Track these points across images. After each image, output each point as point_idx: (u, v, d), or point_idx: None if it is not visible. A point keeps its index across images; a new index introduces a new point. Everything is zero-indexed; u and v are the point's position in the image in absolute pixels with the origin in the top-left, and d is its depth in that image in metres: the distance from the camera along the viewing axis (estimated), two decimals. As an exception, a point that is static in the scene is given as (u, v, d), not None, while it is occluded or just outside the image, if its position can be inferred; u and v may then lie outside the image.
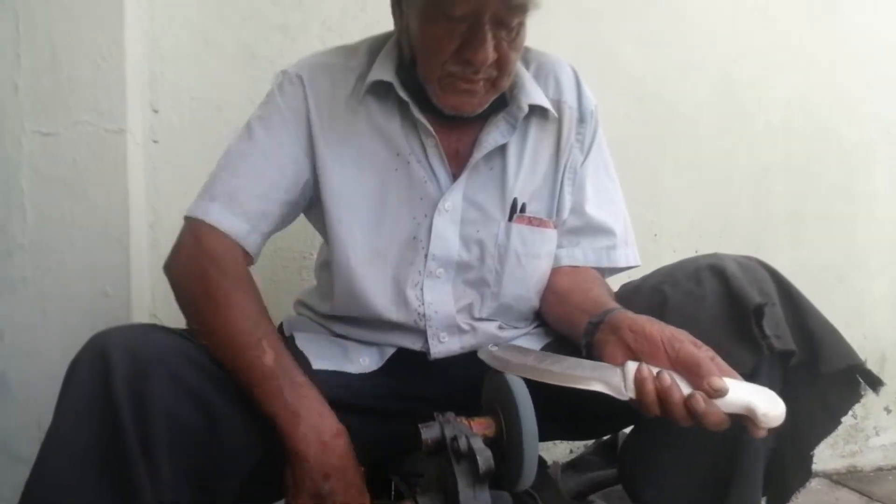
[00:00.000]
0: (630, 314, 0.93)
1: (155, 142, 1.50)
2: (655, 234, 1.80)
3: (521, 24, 0.99)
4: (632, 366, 0.86)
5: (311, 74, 1.08)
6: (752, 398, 0.81)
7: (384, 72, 1.05)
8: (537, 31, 1.69)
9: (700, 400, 0.80)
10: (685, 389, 0.83)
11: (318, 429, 0.89)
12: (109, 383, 0.82)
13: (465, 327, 1.09)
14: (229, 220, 1.01)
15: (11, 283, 1.38)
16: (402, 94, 1.04)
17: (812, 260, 1.92)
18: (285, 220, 1.10)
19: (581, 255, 1.16)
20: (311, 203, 1.11)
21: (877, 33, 1.94)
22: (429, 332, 1.07)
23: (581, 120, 1.14)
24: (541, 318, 1.17)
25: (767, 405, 0.81)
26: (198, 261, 0.99)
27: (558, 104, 1.12)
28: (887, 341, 2.03)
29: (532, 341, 1.14)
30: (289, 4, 1.54)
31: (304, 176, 1.07)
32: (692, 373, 0.83)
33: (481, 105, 1.03)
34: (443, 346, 1.08)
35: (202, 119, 1.51)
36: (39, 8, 1.35)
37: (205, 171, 1.49)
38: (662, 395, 0.83)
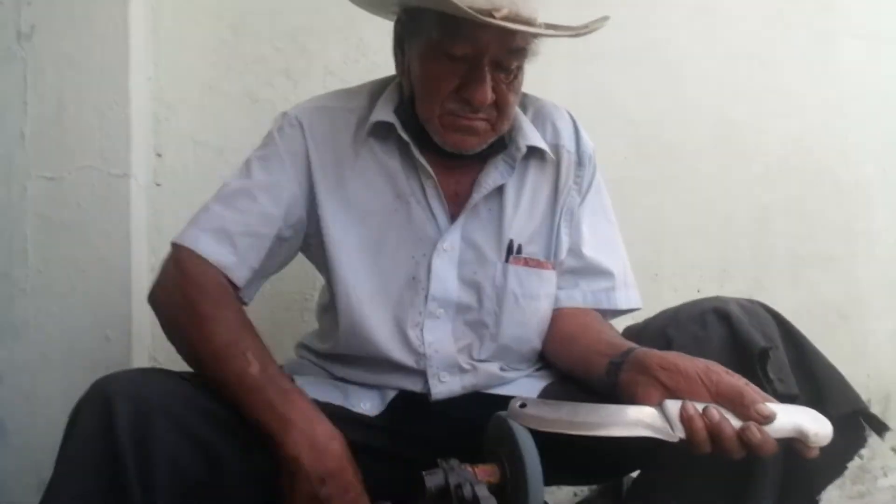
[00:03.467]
0: (655, 351, 0.92)
1: (158, 185, 1.51)
2: (656, 275, 1.80)
3: (520, 69, 1.03)
4: (671, 404, 0.84)
5: (310, 118, 1.10)
6: (800, 420, 0.81)
7: (385, 113, 1.07)
8: (536, 75, 1.73)
9: (755, 430, 0.80)
10: (733, 422, 0.81)
11: (311, 433, 0.86)
12: (113, 431, 0.82)
13: (466, 367, 1.08)
14: (217, 252, 1.00)
15: (13, 328, 1.38)
16: (403, 134, 1.06)
17: (814, 300, 1.92)
18: (277, 258, 1.09)
19: (580, 296, 1.16)
20: (309, 244, 1.11)
21: (868, 76, 1.97)
22: (429, 373, 1.06)
23: (579, 164, 1.16)
24: (542, 360, 1.16)
25: (816, 425, 0.81)
26: (179, 285, 0.98)
27: (556, 148, 1.14)
28: (892, 380, 2.01)
29: (533, 383, 1.13)
30: (291, 50, 1.57)
31: (298, 214, 1.07)
32: (736, 403, 0.82)
33: (481, 144, 1.05)
34: (444, 386, 1.07)
35: (205, 163, 1.53)
36: (47, 57, 1.38)
37: (207, 214, 1.51)
38: (714, 431, 0.81)
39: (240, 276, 1.02)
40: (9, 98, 1.38)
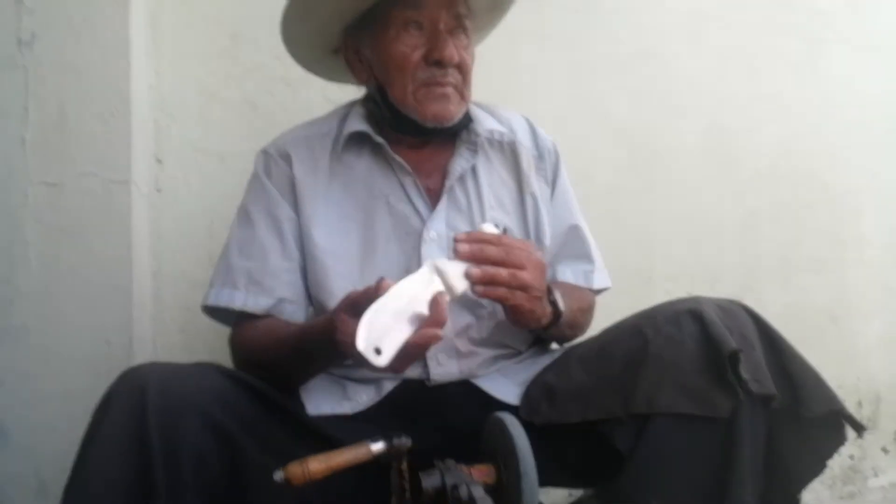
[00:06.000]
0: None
1: (158, 191, 1.52)
2: (648, 279, 1.81)
3: (468, 35, 1.15)
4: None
5: (294, 148, 1.18)
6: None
7: (357, 124, 1.16)
8: (529, 84, 1.75)
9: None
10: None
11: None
12: (144, 420, 0.85)
13: (464, 350, 1.11)
14: (255, 301, 1.11)
15: (13, 332, 1.38)
16: (377, 137, 1.14)
17: (804, 303, 1.93)
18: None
19: (571, 274, 1.24)
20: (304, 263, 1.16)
21: (857, 83, 1.99)
22: (428, 355, 1.09)
23: (540, 157, 1.25)
24: (539, 339, 1.20)
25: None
26: (242, 359, 1.13)
27: (513, 144, 1.23)
28: (882, 383, 2.03)
29: (531, 365, 1.16)
30: (290, 58, 1.58)
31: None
32: None
33: (457, 113, 1.13)
34: (441, 368, 1.10)
35: (205, 169, 1.54)
36: (48, 64, 1.39)
37: (207, 220, 1.53)
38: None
39: (286, 310, 1.12)
40: (10, 105, 1.38)
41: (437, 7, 1.09)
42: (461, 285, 0.90)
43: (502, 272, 0.93)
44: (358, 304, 0.85)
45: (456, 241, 0.93)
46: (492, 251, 0.93)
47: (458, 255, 0.92)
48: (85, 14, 1.40)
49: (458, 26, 1.12)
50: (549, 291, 1.05)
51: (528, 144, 1.24)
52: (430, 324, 0.83)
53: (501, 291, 0.94)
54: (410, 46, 1.09)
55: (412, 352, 0.83)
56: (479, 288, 0.92)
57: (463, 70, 1.11)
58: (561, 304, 1.06)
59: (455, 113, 1.12)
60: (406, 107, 1.11)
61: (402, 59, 1.09)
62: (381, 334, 0.80)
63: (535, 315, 1.01)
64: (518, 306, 0.98)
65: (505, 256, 0.94)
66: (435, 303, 0.83)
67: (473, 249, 0.92)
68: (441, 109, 1.11)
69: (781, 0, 1.93)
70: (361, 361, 0.81)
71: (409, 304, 0.83)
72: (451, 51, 1.08)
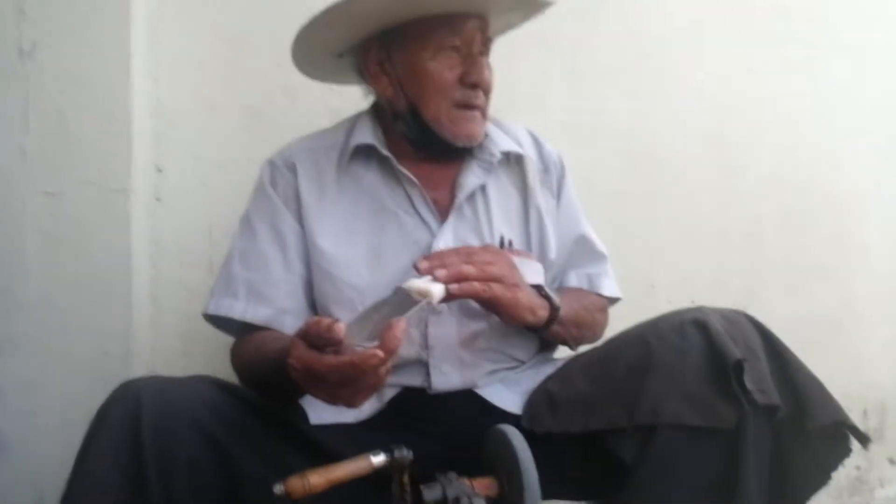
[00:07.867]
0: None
1: (158, 200, 1.52)
2: (652, 286, 1.81)
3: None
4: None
5: (300, 159, 1.18)
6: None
7: (364, 136, 1.17)
8: (530, 89, 1.75)
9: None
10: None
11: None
12: (138, 431, 0.85)
13: (468, 360, 1.11)
14: (254, 311, 1.10)
15: (12, 342, 1.38)
16: (384, 150, 1.14)
17: (808, 311, 1.92)
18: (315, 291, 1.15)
19: (575, 278, 1.25)
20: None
21: (859, 89, 1.98)
22: (431, 363, 1.09)
23: (545, 170, 1.26)
24: (543, 345, 1.20)
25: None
26: (239, 373, 1.12)
27: (520, 158, 1.23)
28: (888, 392, 2.01)
29: (534, 375, 1.15)
30: (291, 66, 1.56)
31: (305, 250, 1.14)
32: None
33: (482, 133, 1.16)
34: (444, 377, 1.09)
35: (205, 178, 1.54)
36: (48, 73, 1.39)
37: (207, 228, 1.53)
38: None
39: (286, 324, 1.09)
40: (10, 114, 1.39)
41: (474, 31, 1.12)
42: (438, 288, 0.91)
43: (468, 267, 0.96)
44: (309, 336, 0.82)
45: (415, 266, 0.96)
46: (451, 257, 0.98)
47: (420, 272, 0.94)
48: (85, 23, 1.40)
49: (486, 50, 1.15)
50: (539, 287, 1.07)
51: (533, 158, 1.25)
52: (378, 347, 0.79)
53: (476, 286, 0.96)
54: (448, 67, 1.11)
55: (354, 375, 0.80)
56: (454, 286, 0.94)
57: (486, 91, 1.14)
58: (554, 296, 1.08)
59: (481, 134, 1.16)
60: (440, 126, 1.12)
61: (440, 79, 1.10)
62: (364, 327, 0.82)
63: (520, 303, 1.02)
64: (498, 297, 0.99)
65: (466, 258, 0.98)
66: (388, 327, 0.79)
67: (434, 262, 0.96)
68: (472, 130, 1.13)
69: (782, 8, 1.92)
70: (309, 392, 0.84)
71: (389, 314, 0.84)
72: (487, 75, 1.12)
